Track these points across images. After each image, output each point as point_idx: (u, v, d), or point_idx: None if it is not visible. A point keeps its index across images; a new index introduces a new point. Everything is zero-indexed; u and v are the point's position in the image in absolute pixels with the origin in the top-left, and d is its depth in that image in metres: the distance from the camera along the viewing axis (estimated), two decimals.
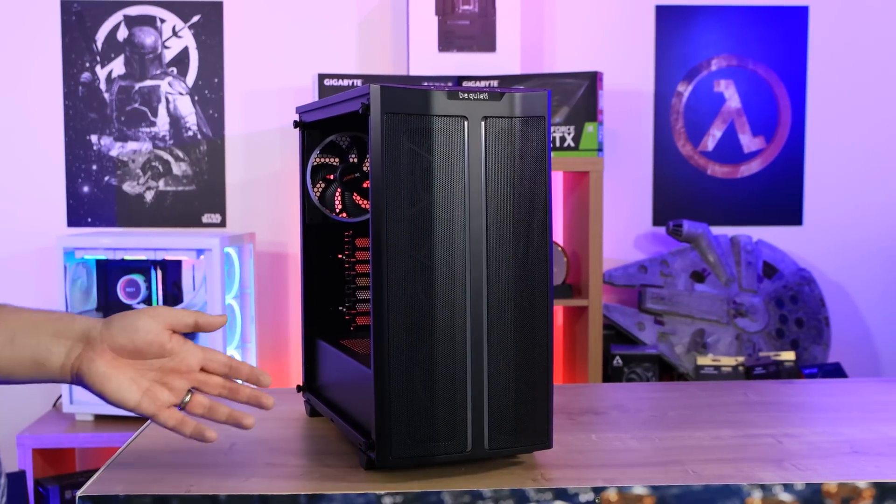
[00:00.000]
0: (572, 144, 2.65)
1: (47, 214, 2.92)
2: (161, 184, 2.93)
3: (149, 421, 1.21)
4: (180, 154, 2.93)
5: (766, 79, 2.98)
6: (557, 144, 2.65)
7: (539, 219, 1.10)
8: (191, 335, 1.04)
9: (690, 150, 2.98)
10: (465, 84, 2.67)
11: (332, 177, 1.32)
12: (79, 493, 0.98)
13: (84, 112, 2.90)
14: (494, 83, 2.67)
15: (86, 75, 2.89)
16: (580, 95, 2.65)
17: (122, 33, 2.89)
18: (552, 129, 2.67)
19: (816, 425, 1.31)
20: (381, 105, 1.03)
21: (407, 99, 1.04)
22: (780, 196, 3.01)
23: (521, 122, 1.09)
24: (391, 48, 2.91)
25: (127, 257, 2.56)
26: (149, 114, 2.91)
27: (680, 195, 2.99)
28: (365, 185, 1.31)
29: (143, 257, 2.56)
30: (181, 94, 2.92)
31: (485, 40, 2.79)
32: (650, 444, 1.20)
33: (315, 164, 1.33)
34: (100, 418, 2.63)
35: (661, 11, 2.96)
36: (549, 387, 1.11)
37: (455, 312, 1.06)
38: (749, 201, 3.00)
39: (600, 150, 2.65)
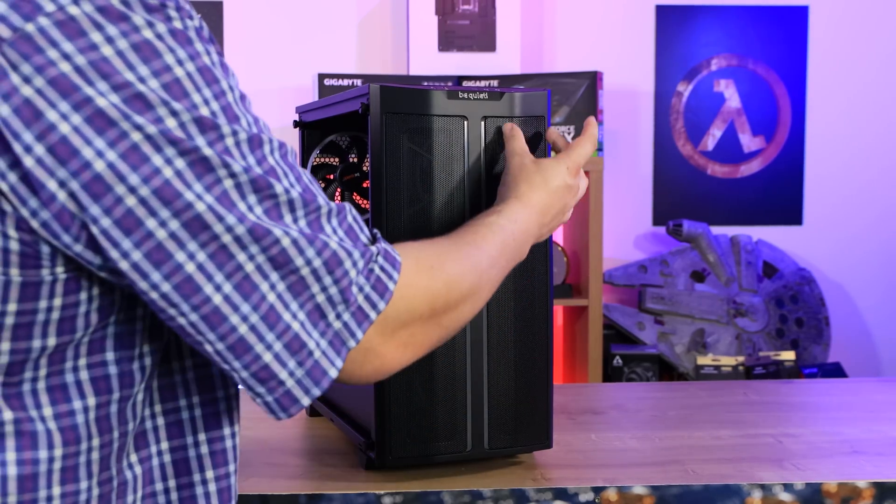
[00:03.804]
0: None
1: None
2: None
3: None
4: None
5: (766, 78, 2.98)
6: None
7: None
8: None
9: (690, 150, 2.98)
10: (465, 84, 2.66)
11: (331, 177, 1.32)
12: None
13: None
14: (494, 83, 2.67)
15: None
16: (580, 95, 2.65)
17: None
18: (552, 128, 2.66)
19: (816, 425, 1.31)
20: (380, 105, 1.03)
21: (407, 99, 1.04)
22: (780, 196, 3.01)
23: (521, 122, 1.09)
24: (391, 48, 2.91)
25: None
26: None
27: (680, 195, 2.99)
28: (365, 185, 1.31)
29: None
30: None
31: (485, 40, 2.79)
32: (650, 444, 1.20)
33: (315, 163, 1.33)
34: None
35: (661, 11, 2.95)
36: (549, 387, 1.11)
37: None
38: (749, 201, 3.00)
39: (600, 149, 2.65)
